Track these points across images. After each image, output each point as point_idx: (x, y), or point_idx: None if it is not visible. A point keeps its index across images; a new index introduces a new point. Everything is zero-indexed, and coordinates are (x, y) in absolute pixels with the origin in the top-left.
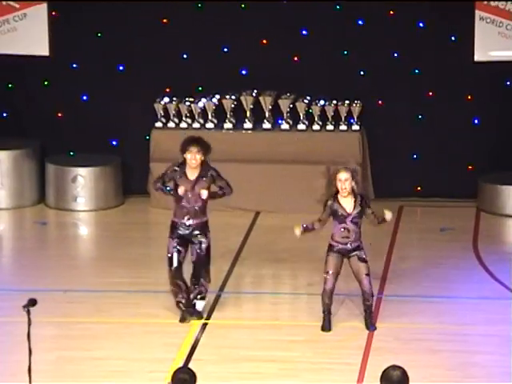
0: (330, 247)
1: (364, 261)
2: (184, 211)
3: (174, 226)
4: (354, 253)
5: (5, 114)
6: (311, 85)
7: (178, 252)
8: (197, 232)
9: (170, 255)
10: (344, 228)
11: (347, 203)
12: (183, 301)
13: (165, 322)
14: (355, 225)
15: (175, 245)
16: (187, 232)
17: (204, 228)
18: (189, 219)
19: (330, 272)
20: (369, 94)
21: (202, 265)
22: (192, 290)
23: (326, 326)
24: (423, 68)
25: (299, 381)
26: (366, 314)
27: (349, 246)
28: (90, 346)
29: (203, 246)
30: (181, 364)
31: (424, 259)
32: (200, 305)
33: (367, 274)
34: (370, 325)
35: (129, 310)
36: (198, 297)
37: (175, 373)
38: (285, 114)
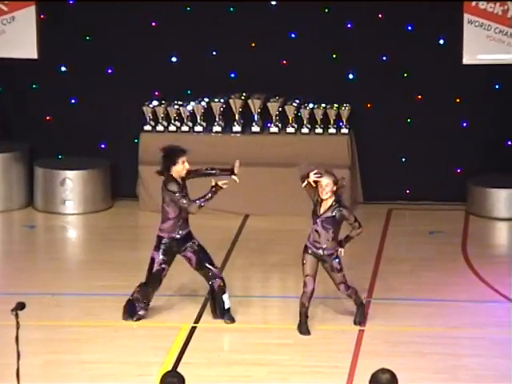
0: (305, 248)
1: (338, 271)
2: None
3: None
4: (327, 261)
5: None
6: (300, 88)
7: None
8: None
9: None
10: (315, 231)
11: (324, 205)
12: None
13: (154, 325)
14: (326, 230)
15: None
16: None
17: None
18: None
19: (309, 274)
20: (358, 97)
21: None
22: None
23: (303, 330)
24: (412, 71)
25: None
26: (356, 307)
27: (320, 251)
28: (78, 349)
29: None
30: (170, 368)
31: (413, 262)
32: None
33: (342, 282)
34: (357, 319)
35: (117, 314)
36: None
37: (163, 377)
38: (274, 117)
